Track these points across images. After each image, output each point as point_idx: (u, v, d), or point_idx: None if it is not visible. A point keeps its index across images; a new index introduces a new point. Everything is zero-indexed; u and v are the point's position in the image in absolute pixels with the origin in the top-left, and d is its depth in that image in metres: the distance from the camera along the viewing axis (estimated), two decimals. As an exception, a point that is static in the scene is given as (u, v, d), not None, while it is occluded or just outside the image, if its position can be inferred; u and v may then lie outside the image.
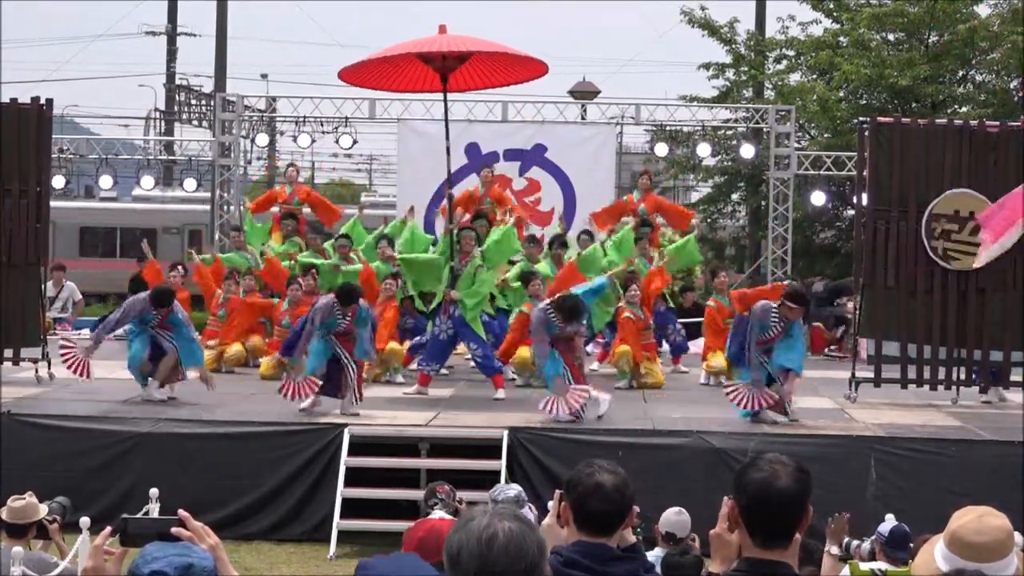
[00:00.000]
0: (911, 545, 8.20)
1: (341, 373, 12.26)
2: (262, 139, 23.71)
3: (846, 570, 7.49)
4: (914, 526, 8.61)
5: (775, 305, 12.04)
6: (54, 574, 7.53)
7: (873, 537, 7.86)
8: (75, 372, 12.64)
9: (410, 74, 14.89)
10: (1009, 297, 13.46)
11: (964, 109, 25.33)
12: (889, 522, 8.00)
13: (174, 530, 3.00)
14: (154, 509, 9.22)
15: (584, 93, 26.85)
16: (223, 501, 11.37)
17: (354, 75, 14.80)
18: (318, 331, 12.27)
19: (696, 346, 17.25)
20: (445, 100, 14.84)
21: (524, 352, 14.52)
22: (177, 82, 36.19)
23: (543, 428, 11.84)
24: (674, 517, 8.06)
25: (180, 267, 17.01)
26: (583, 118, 22.09)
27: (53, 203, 15.04)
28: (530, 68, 14.70)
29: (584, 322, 12.37)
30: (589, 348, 16.92)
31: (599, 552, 3.51)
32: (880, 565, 7.57)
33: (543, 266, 15.24)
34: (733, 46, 27.07)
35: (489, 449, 11.52)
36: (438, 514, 7.25)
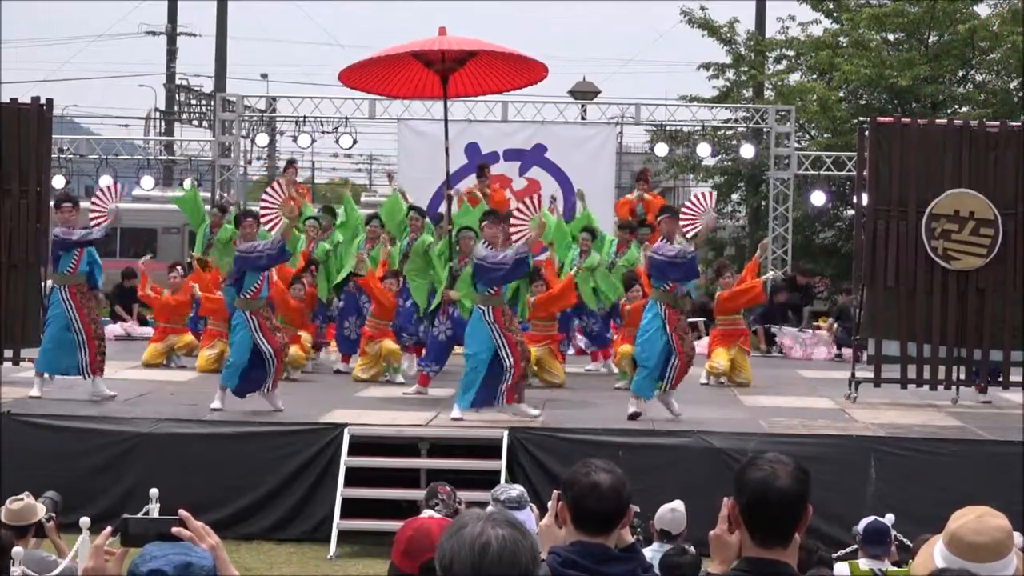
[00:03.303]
0: (904, 540, 8.23)
1: (263, 361, 12.13)
2: (262, 139, 23.76)
3: (846, 570, 7.50)
4: (914, 526, 8.64)
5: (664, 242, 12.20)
6: (54, 574, 7.53)
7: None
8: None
9: (410, 79, 14.89)
10: (1009, 297, 13.46)
11: (964, 109, 25.31)
12: (865, 519, 8.02)
13: (174, 530, 3.00)
14: (154, 509, 9.22)
15: (584, 93, 26.85)
16: (223, 501, 11.36)
17: (354, 78, 14.78)
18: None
19: (698, 346, 17.25)
20: (445, 103, 14.84)
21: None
22: (177, 82, 36.15)
23: (543, 428, 11.85)
24: (668, 515, 8.06)
25: (179, 267, 17.02)
26: (583, 118, 22.12)
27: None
28: (530, 72, 14.70)
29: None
30: (583, 344, 16.94)
31: (597, 552, 3.51)
32: (880, 565, 7.58)
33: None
34: (733, 46, 27.06)
35: (489, 449, 11.52)
36: (427, 513, 7.25)
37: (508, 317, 12.07)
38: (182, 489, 10.29)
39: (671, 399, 12.17)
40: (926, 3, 24.92)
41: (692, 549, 7.52)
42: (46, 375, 12.88)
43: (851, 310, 18.75)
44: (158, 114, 39.63)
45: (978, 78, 26.81)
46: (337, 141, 22.50)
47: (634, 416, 12.00)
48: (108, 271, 17.33)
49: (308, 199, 17.97)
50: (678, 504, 8.17)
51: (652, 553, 7.35)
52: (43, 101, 14.06)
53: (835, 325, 19.60)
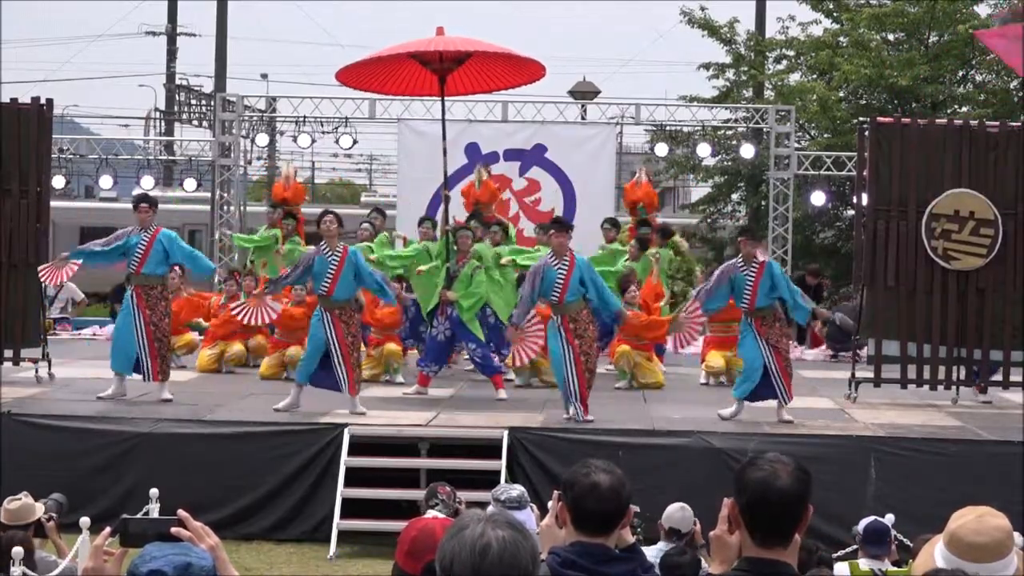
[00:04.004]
0: (904, 540, 8.21)
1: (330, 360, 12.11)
2: (262, 139, 23.74)
3: (846, 570, 7.50)
4: (914, 526, 8.64)
5: (737, 260, 12.32)
6: (54, 574, 7.53)
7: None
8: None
9: (408, 77, 14.88)
10: (1009, 297, 13.46)
11: (964, 109, 25.31)
12: (865, 519, 8.02)
13: (174, 530, 3.00)
14: (154, 509, 9.22)
15: (584, 93, 26.86)
16: (223, 501, 11.36)
17: (352, 77, 14.77)
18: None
19: (695, 346, 17.25)
20: (443, 103, 14.84)
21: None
22: (177, 82, 36.15)
23: (543, 428, 11.85)
24: (677, 513, 8.07)
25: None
26: (583, 118, 22.10)
27: (53, 203, 15.03)
28: (527, 71, 14.69)
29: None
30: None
31: (596, 553, 3.51)
32: (880, 565, 7.58)
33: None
34: (733, 46, 27.05)
35: (489, 449, 11.51)
36: (431, 513, 7.25)
37: (580, 323, 11.92)
38: (182, 489, 10.29)
39: (781, 411, 12.22)
40: (926, 3, 24.92)
41: (698, 528, 7.55)
42: (124, 375, 12.77)
43: (836, 319, 18.73)
44: (158, 114, 39.66)
45: (978, 78, 26.80)
46: (337, 141, 22.49)
47: (722, 417, 12.14)
48: (109, 271, 17.49)
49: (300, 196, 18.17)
50: (685, 503, 8.19)
51: (657, 552, 7.35)
52: (43, 101, 14.07)
53: (826, 329, 19.62)
